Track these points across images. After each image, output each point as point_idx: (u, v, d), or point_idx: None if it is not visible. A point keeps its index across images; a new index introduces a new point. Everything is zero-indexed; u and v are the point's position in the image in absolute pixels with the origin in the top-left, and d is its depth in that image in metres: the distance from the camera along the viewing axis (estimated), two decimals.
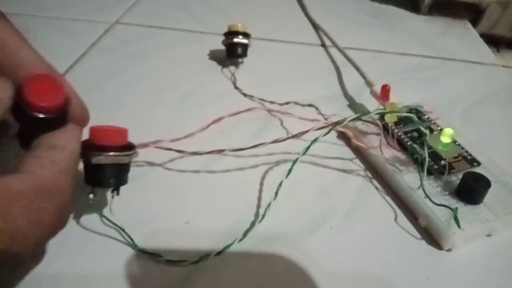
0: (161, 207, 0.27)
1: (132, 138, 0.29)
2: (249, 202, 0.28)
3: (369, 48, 0.46)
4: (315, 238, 0.26)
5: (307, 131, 0.27)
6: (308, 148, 0.26)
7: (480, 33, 0.51)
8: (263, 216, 0.25)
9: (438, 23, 0.53)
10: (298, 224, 0.26)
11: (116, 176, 0.23)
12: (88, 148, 0.22)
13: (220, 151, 0.27)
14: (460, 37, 0.50)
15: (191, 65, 0.41)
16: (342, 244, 0.26)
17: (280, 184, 0.26)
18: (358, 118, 0.27)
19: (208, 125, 0.27)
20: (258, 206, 0.27)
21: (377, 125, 0.29)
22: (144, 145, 0.26)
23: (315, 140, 0.26)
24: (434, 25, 0.52)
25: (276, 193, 0.26)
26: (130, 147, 0.23)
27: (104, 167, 0.22)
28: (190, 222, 0.26)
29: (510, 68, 0.47)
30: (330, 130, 0.26)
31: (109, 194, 0.25)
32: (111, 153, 0.22)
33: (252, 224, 0.26)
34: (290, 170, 0.26)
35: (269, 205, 0.26)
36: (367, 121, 0.32)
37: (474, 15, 0.53)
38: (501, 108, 0.38)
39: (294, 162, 0.26)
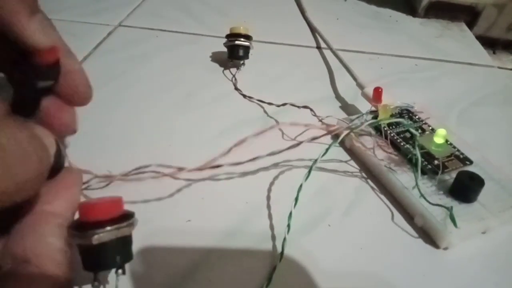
0: (163, 205, 0.27)
1: (133, 139, 0.30)
2: (250, 201, 0.28)
3: (367, 50, 0.46)
4: (314, 237, 0.26)
5: (300, 143, 0.27)
6: (325, 152, 0.26)
7: (476, 35, 0.52)
8: (289, 226, 0.25)
9: (434, 25, 0.53)
10: (296, 223, 0.26)
11: (121, 252, 0.20)
12: (82, 229, 0.19)
13: (218, 166, 0.27)
14: (456, 39, 0.50)
15: (192, 67, 0.41)
16: (339, 243, 0.26)
17: (300, 187, 0.25)
18: (358, 127, 0.28)
19: (230, 149, 0.27)
20: (259, 205, 0.28)
21: (369, 133, 0.30)
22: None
23: (330, 146, 0.26)
24: (431, 27, 0.53)
25: (297, 198, 0.25)
26: (129, 215, 0.21)
27: (107, 245, 0.19)
28: (191, 220, 0.27)
29: (506, 70, 0.48)
30: (339, 139, 0.27)
31: (112, 274, 0.22)
32: (111, 227, 0.19)
33: (284, 237, 0.25)
34: (309, 172, 0.26)
35: (290, 214, 0.25)
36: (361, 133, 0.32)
37: (471, 17, 0.53)
38: (498, 109, 0.39)
39: (313, 164, 0.26)
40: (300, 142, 0.27)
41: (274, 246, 0.26)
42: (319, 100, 0.38)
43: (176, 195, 0.28)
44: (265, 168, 0.30)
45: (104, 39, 0.44)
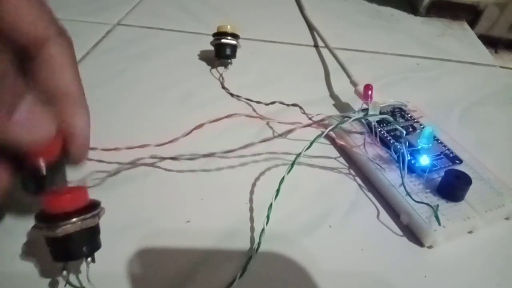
0: (162, 206, 0.27)
1: (132, 139, 0.30)
2: (249, 201, 0.28)
3: (368, 50, 0.46)
4: (315, 237, 0.26)
5: (290, 131, 0.27)
6: (310, 146, 0.26)
7: (478, 34, 0.51)
8: (268, 217, 0.25)
9: (436, 24, 0.53)
10: (296, 223, 0.27)
11: (88, 243, 0.21)
12: (47, 221, 0.20)
13: (212, 154, 0.28)
14: (458, 38, 0.50)
15: (190, 66, 0.41)
16: (339, 244, 0.26)
17: (282, 180, 0.25)
18: (343, 122, 0.28)
19: (191, 131, 0.28)
20: (258, 205, 0.28)
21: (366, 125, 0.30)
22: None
23: (315, 140, 0.26)
24: (432, 26, 0.52)
25: (278, 190, 0.25)
26: (94, 205, 0.21)
27: (72, 237, 0.20)
28: (191, 221, 0.26)
29: (507, 69, 0.47)
30: (325, 134, 0.26)
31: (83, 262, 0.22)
32: (76, 219, 0.20)
33: (262, 228, 0.25)
34: (292, 165, 0.25)
35: (271, 205, 0.25)
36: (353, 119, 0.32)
37: (472, 16, 0.53)
38: (499, 109, 0.39)
39: (296, 158, 0.25)
40: (290, 130, 0.27)
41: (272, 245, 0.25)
42: (314, 99, 0.37)
43: (175, 196, 0.28)
44: (262, 168, 0.30)
45: (103, 38, 0.44)
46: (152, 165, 0.30)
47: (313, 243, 0.26)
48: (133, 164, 0.29)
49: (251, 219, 0.27)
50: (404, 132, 0.27)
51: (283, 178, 0.25)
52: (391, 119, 0.27)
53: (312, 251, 0.25)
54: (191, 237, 0.25)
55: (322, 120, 0.30)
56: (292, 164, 0.25)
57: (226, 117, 0.27)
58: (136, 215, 0.26)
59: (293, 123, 0.30)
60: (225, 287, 0.23)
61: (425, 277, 0.24)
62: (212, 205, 0.28)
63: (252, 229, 0.26)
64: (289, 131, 0.29)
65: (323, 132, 0.26)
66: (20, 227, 0.25)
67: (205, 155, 0.29)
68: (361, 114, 0.28)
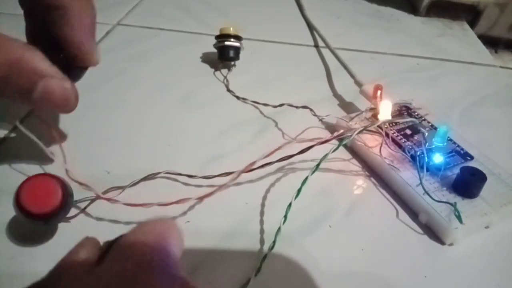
0: (162, 206, 0.26)
1: (131, 138, 0.29)
2: (249, 202, 0.28)
3: (368, 49, 0.46)
4: (315, 237, 0.26)
5: (311, 146, 0.26)
6: (337, 148, 0.26)
7: (478, 34, 0.52)
8: (285, 216, 0.25)
9: (436, 24, 0.53)
10: (298, 223, 0.26)
11: None
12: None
13: (229, 173, 0.27)
14: (458, 38, 0.50)
15: (191, 66, 0.41)
16: (342, 243, 0.26)
17: (305, 180, 0.25)
18: (364, 129, 0.28)
19: (243, 170, 0.26)
20: (258, 205, 0.27)
21: (380, 133, 0.29)
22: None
23: (341, 143, 0.26)
24: (432, 26, 0.52)
25: (299, 190, 0.25)
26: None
27: None
28: (191, 221, 0.26)
29: (507, 69, 0.48)
30: (352, 136, 0.27)
31: None
32: None
33: (279, 227, 0.25)
34: (317, 166, 0.25)
35: (289, 204, 0.25)
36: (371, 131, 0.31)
37: (472, 16, 0.53)
38: (499, 108, 0.39)
39: (321, 160, 0.25)
40: (311, 146, 0.27)
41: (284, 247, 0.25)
42: (317, 99, 0.37)
43: (174, 196, 0.27)
44: (264, 168, 0.30)
45: (103, 38, 0.44)
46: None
47: (316, 244, 0.25)
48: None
49: (252, 220, 0.27)
50: (426, 133, 0.27)
51: (306, 178, 0.25)
52: (417, 121, 0.27)
53: (315, 251, 0.25)
54: (191, 237, 0.25)
55: (341, 129, 0.29)
56: (317, 166, 0.25)
57: (277, 149, 0.26)
58: (136, 215, 0.26)
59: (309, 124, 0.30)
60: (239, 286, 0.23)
61: (425, 277, 0.24)
62: (211, 205, 0.27)
63: (252, 229, 0.26)
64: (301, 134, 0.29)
65: (351, 135, 0.26)
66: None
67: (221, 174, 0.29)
68: (371, 115, 0.28)
